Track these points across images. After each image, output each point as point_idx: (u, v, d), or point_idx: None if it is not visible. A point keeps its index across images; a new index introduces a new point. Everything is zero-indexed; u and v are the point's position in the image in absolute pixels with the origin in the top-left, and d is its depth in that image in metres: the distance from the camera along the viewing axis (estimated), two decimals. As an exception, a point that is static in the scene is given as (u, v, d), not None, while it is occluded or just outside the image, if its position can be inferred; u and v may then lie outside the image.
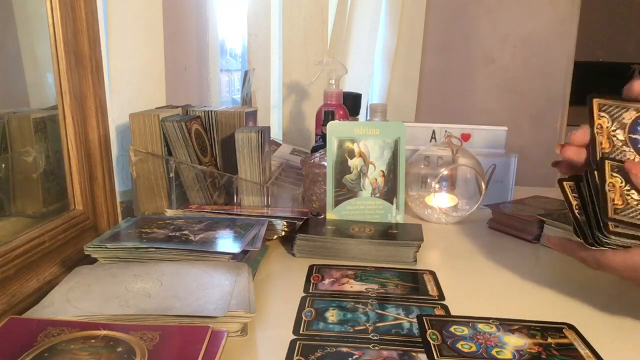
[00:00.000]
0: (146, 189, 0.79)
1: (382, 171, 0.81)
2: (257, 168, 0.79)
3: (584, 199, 0.54)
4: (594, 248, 0.52)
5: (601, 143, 0.54)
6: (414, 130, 0.99)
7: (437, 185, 0.87)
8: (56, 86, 0.66)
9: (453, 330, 0.50)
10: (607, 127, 0.54)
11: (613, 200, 0.51)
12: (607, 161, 0.53)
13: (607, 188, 0.51)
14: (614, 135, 0.54)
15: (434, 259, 0.73)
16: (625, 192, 0.51)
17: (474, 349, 0.47)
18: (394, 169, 0.81)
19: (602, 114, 0.54)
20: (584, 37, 1.82)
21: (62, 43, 0.65)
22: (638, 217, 0.50)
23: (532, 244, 0.78)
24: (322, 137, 0.98)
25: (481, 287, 0.64)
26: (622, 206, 0.50)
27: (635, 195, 0.51)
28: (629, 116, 0.54)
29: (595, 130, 0.54)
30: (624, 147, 0.53)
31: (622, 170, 0.52)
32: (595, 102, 0.55)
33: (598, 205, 0.51)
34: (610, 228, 0.50)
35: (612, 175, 0.52)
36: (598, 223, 0.51)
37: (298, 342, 0.48)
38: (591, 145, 0.54)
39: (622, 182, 0.51)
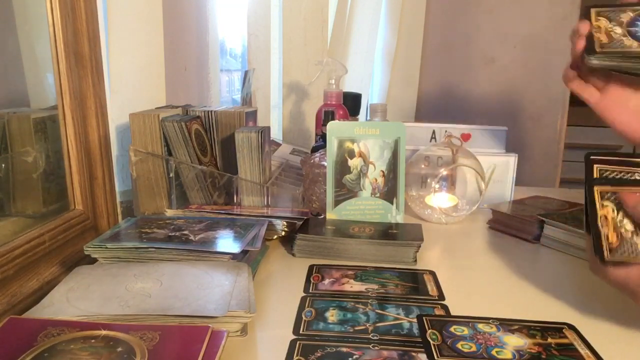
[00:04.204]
0: (146, 189, 0.79)
1: (382, 171, 0.81)
2: (257, 168, 0.79)
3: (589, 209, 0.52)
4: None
5: (599, 38, 0.57)
6: (414, 130, 0.99)
7: (437, 185, 0.87)
8: (56, 86, 0.66)
9: (453, 330, 0.50)
10: (605, 26, 0.58)
11: (607, 237, 0.49)
12: (595, 188, 0.50)
13: (599, 224, 0.49)
14: (612, 30, 0.57)
15: (434, 259, 0.73)
16: (618, 223, 0.49)
17: (474, 349, 0.47)
18: (394, 169, 0.81)
19: (600, 17, 0.59)
20: (584, 37, 1.81)
21: (62, 43, 0.65)
22: (633, 253, 0.48)
23: (532, 244, 0.78)
24: (322, 137, 0.98)
25: (481, 287, 0.64)
26: (617, 244, 0.49)
27: (628, 226, 0.49)
28: (626, 17, 0.58)
29: (593, 30, 0.58)
30: (622, 38, 0.57)
31: (613, 196, 0.50)
32: (593, 11, 0.59)
33: (593, 238, 0.50)
34: (606, 257, 0.49)
35: (602, 205, 0.50)
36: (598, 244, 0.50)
37: (298, 342, 0.48)
38: (587, 41, 0.58)
39: (614, 212, 0.49)
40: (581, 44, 0.59)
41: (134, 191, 0.80)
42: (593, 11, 0.60)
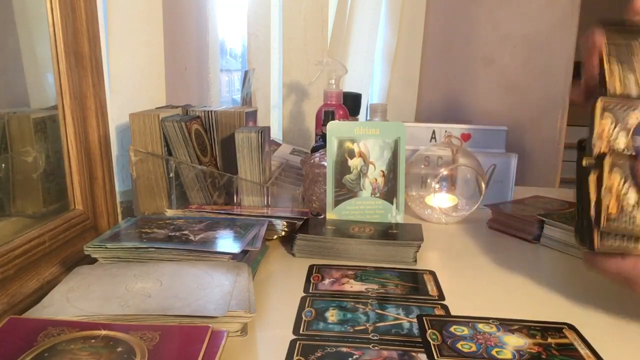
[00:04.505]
0: (146, 189, 0.79)
1: (382, 171, 0.81)
2: (257, 168, 0.79)
3: (580, 194, 0.52)
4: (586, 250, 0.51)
5: (608, 206, 0.49)
6: (414, 130, 0.99)
7: (437, 185, 0.87)
8: (56, 86, 0.66)
9: (453, 330, 0.50)
10: (617, 189, 0.49)
11: (607, 207, 0.48)
12: (607, 158, 0.49)
13: (602, 193, 0.48)
14: (624, 198, 0.49)
15: (434, 259, 0.72)
16: (623, 194, 0.48)
17: (474, 349, 0.47)
18: (394, 169, 0.81)
19: (606, 113, 0.50)
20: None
21: (62, 43, 0.65)
22: (630, 226, 0.48)
23: (532, 244, 0.78)
24: (322, 137, 0.98)
25: (481, 287, 0.64)
26: (616, 214, 0.48)
27: (631, 200, 0.48)
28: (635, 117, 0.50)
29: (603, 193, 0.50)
30: (634, 211, 0.49)
31: (624, 165, 0.48)
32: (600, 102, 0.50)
33: (592, 212, 0.49)
34: (596, 246, 0.49)
35: (610, 174, 0.48)
36: (589, 230, 0.50)
37: (298, 342, 0.48)
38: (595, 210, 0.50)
39: (620, 182, 0.48)
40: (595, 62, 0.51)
41: (134, 191, 0.80)
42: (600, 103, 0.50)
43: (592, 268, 0.52)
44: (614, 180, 0.49)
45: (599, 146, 0.50)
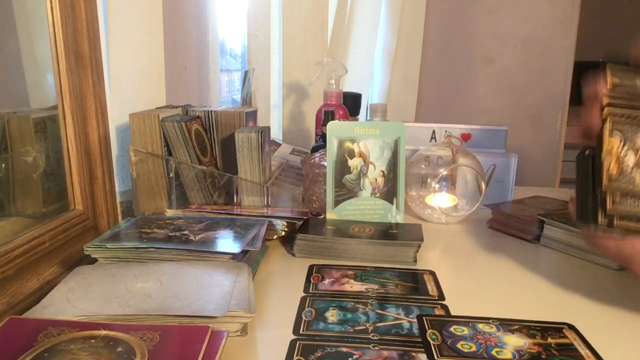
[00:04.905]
0: (146, 189, 0.79)
1: (382, 171, 0.81)
2: (257, 168, 0.79)
3: (583, 176, 0.53)
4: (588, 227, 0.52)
5: (610, 165, 0.51)
6: (414, 130, 0.99)
7: (437, 185, 0.87)
8: (56, 86, 0.66)
9: (453, 330, 0.50)
10: (617, 151, 0.51)
11: (609, 167, 0.50)
12: (607, 123, 0.50)
13: (603, 156, 0.50)
14: (624, 160, 0.51)
15: (434, 259, 0.72)
16: (622, 157, 0.50)
17: (474, 349, 0.47)
18: (394, 169, 0.81)
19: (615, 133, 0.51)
20: (584, 37, 1.82)
21: (62, 43, 0.65)
22: (630, 186, 0.50)
23: (532, 244, 0.78)
24: (322, 137, 0.98)
25: (481, 287, 0.64)
26: (617, 175, 0.50)
27: (630, 161, 0.50)
28: None
29: (603, 156, 0.51)
30: (634, 172, 0.51)
31: (623, 129, 0.50)
32: (609, 68, 0.52)
33: (595, 183, 0.51)
34: (600, 221, 0.50)
35: (612, 134, 0.50)
36: (594, 208, 0.51)
37: (298, 342, 0.48)
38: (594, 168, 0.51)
39: (620, 143, 0.50)
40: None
41: (134, 191, 0.80)
42: (609, 69, 0.52)
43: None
44: (614, 143, 0.50)
45: (608, 163, 0.51)
